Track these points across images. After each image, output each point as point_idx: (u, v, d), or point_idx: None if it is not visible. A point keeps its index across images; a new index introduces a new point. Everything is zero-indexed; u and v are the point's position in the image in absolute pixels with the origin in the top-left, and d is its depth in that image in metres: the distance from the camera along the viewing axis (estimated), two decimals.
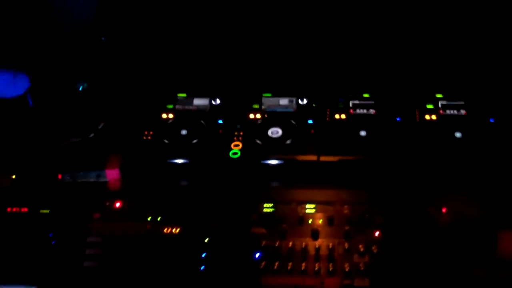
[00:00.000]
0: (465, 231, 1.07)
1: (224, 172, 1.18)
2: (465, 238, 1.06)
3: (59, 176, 1.17)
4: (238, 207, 1.13)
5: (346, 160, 1.18)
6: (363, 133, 1.22)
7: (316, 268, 1.06)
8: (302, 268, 1.06)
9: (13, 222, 1.12)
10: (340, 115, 1.26)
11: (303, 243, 1.09)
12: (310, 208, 1.13)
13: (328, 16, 1.37)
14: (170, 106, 1.29)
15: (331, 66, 1.35)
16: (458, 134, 1.19)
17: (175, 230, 1.10)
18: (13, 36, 1.33)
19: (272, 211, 1.13)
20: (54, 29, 1.35)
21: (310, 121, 1.25)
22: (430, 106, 1.25)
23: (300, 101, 1.29)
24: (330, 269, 1.06)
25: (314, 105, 1.28)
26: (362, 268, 1.06)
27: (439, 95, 1.27)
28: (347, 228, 1.10)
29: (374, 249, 1.07)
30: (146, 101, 1.30)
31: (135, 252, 1.09)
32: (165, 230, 1.10)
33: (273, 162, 1.19)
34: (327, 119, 1.25)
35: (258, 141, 1.22)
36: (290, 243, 1.09)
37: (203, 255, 1.08)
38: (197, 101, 1.30)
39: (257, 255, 1.08)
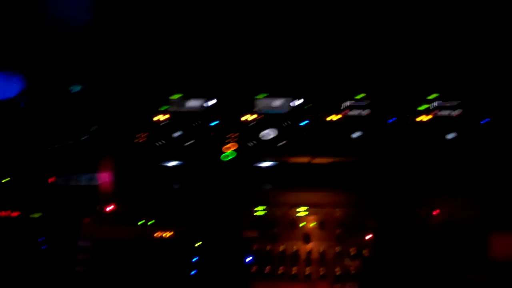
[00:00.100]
0: (457, 234, 1.07)
1: (216, 175, 1.18)
2: (456, 240, 1.06)
3: (51, 180, 1.17)
4: (230, 210, 1.13)
5: (339, 162, 1.17)
6: (356, 134, 1.21)
7: (306, 273, 1.06)
8: (293, 273, 1.06)
9: (4, 226, 1.12)
10: (333, 117, 1.25)
11: (295, 247, 1.09)
12: (302, 211, 1.12)
13: (322, 18, 1.35)
14: (163, 108, 1.28)
15: (325, 67, 1.33)
16: (451, 136, 1.18)
17: (167, 234, 1.10)
18: (6, 39, 1.33)
19: (264, 214, 1.12)
20: (47, 32, 1.34)
21: (303, 123, 1.24)
22: (423, 107, 1.24)
23: (293, 103, 1.27)
24: (321, 273, 1.06)
25: (307, 106, 1.27)
26: (352, 272, 1.05)
27: (433, 96, 1.26)
28: (338, 231, 1.09)
29: (366, 252, 1.07)
30: (139, 104, 1.30)
31: (126, 257, 1.09)
32: (156, 234, 1.10)
33: (266, 164, 1.18)
34: (321, 120, 1.24)
35: (251, 143, 1.21)
36: (282, 247, 1.09)
37: (194, 260, 1.08)
38: (190, 103, 1.29)
39: (249, 259, 1.08)
